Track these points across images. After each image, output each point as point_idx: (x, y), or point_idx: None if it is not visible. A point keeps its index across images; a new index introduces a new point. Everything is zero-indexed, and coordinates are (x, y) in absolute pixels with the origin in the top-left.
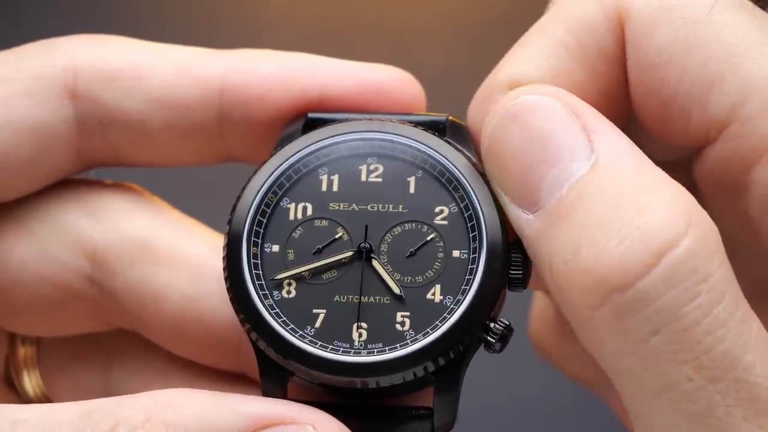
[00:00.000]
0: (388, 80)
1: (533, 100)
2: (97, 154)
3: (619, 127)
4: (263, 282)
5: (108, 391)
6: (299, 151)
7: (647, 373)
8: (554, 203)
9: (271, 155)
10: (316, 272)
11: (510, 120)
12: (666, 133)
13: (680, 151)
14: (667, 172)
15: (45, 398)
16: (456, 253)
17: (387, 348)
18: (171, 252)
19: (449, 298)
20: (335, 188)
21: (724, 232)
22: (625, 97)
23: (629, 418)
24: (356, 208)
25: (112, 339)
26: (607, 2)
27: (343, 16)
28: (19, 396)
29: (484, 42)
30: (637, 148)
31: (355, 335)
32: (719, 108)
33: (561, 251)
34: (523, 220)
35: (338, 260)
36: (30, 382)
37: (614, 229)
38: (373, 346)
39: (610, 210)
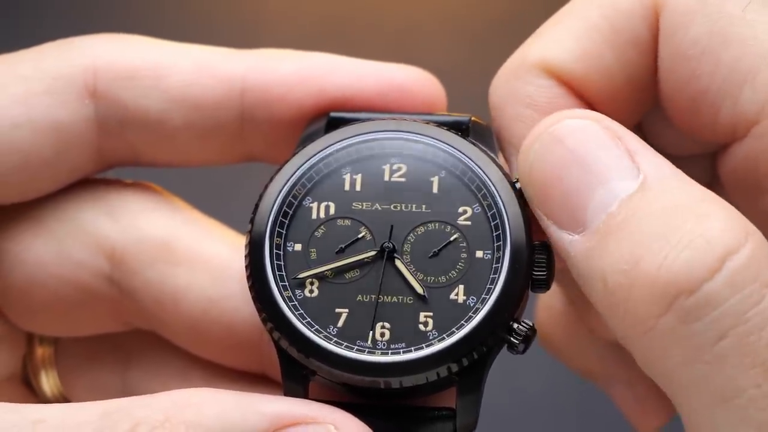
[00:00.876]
0: (409, 80)
1: (575, 124)
2: (117, 154)
3: (642, 115)
4: (286, 282)
5: (126, 391)
6: (322, 150)
7: (713, 381)
8: (603, 221)
9: (294, 154)
10: (339, 271)
11: (552, 143)
12: (693, 127)
13: (702, 146)
14: (684, 169)
15: (63, 398)
16: (479, 254)
17: (411, 348)
18: (190, 252)
19: (473, 299)
20: (358, 188)
21: None
22: (651, 87)
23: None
24: (379, 208)
25: (130, 339)
26: None
27: (343, 16)
28: (37, 396)
29: (484, 42)
30: (678, 169)
31: (378, 335)
32: (750, 105)
33: (617, 265)
34: (567, 241)
35: (361, 260)
36: (48, 382)
37: (676, 237)
38: (397, 346)
39: (668, 221)
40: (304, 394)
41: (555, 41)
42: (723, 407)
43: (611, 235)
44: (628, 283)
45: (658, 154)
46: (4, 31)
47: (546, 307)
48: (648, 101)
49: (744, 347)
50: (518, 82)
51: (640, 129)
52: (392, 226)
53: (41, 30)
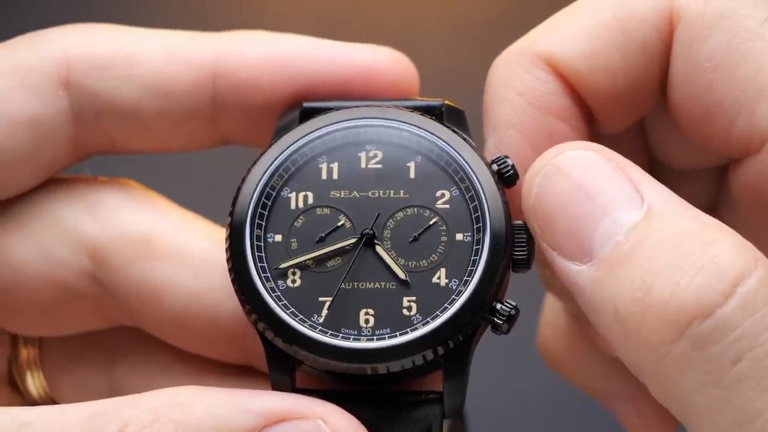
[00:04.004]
0: (378, 61)
1: (577, 155)
2: (92, 143)
3: (632, 122)
4: (268, 273)
5: (112, 388)
6: (297, 140)
7: (729, 404)
8: (611, 250)
9: (270, 145)
10: (320, 260)
11: (556, 174)
12: (706, 138)
13: (712, 159)
14: (688, 184)
15: (49, 398)
16: (459, 236)
17: (396, 333)
18: (171, 247)
19: (455, 281)
20: (335, 176)
21: (761, 244)
22: (653, 96)
23: None
24: (357, 195)
25: (113, 336)
26: (662, 2)
27: (343, 16)
28: (23, 397)
29: (484, 42)
30: (681, 198)
31: (362, 321)
32: (766, 119)
33: (629, 293)
34: (574, 272)
35: (341, 247)
36: (34, 382)
37: (687, 263)
38: (382, 331)
39: (677, 248)
40: (291, 384)
41: (565, 36)
42: (740, 430)
43: (620, 263)
44: (641, 311)
45: (661, 184)
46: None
47: (548, 324)
48: (642, 109)
49: (760, 370)
50: (518, 67)
51: (646, 141)
52: (370, 213)
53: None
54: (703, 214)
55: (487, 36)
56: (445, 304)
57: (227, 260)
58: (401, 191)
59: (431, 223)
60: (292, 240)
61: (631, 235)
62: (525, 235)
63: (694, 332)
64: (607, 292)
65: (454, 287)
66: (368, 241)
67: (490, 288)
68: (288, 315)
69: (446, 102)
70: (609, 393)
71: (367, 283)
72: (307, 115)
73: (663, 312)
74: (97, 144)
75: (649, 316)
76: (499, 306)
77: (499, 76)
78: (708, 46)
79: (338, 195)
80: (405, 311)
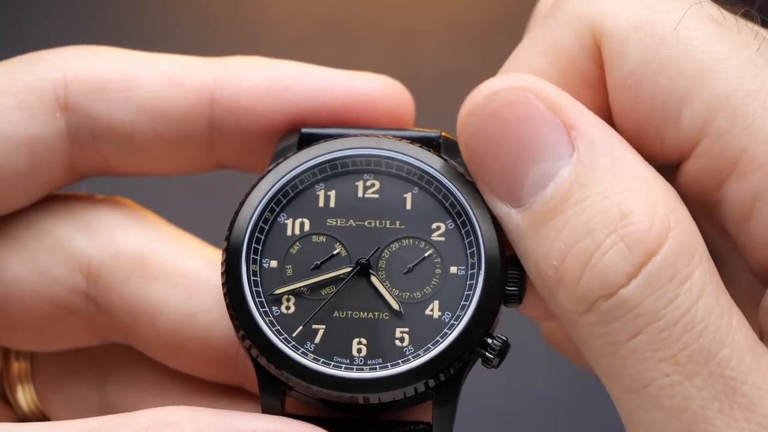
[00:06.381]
0: (375, 89)
1: (510, 96)
2: (88, 165)
3: None
4: (263, 298)
5: (103, 405)
6: (296, 167)
7: (626, 372)
8: (539, 203)
9: (268, 171)
10: (315, 288)
11: (488, 116)
12: (645, 152)
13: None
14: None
15: (40, 413)
16: (453, 270)
17: (388, 364)
18: (166, 267)
19: (448, 314)
20: (332, 204)
21: (710, 242)
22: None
23: (621, 417)
24: (354, 224)
25: (106, 353)
26: (580, 27)
27: (343, 16)
28: (14, 411)
29: (483, 43)
30: (618, 137)
31: (354, 351)
32: (690, 125)
33: (547, 256)
34: (505, 212)
35: (336, 276)
36: (24, 397)
37: (598, 238)
38: (374, 362)
39: (595, 216)
40: (281, 409)
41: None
42: (636, 394)
43: (544, 221)
44: (556, 279)
45: (600, 123)
46: (4, 31)
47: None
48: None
49: (655, 342)
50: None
51: None
52: (366, 243)
53: (37, 33)
54: (632, 165)
55: (487, 36)
56: (438, 337)
57: (222, 284)
58: (397, 222)
59: (426, 255)
60: (288, 266)
61: (557, 191)
62: (518, 271)
63: (599, 309)
64: (531, 248)
65: (446, 320)
66: (363, 271)
67: (483, 322)
68: (281, 341)
69: (443, 134)
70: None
71: (361, 313)
72: (306, 140)
73: (573, 287)
74: (92, 166)
75: (563, 286)
76: (490, 341)
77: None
78: (627, 63)
79: (334, 223)
80: (398, 342)
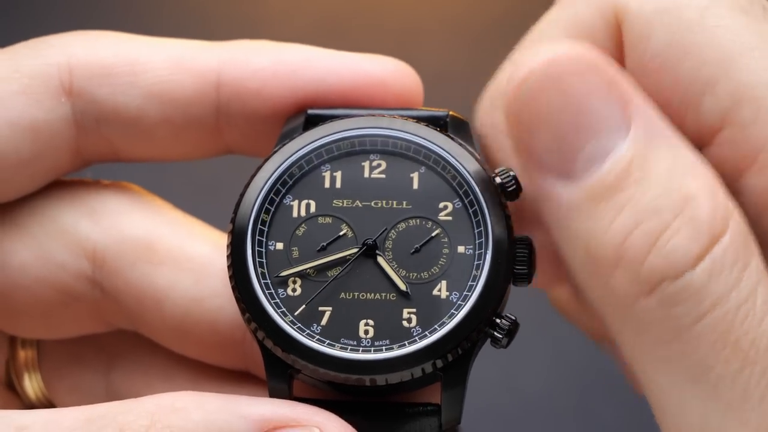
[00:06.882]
0: (384, 72)
1: (572, 66)
2: (94, 151)
3: None
4: (269, 280)
5: (110, 392)
6: (301, 148)
7: (687, 359)
8: (595, 178)
9: (273, 152)
10: (321, 269)
11: (546, 86)
12: None
13: None
14: None
15: (47, 401)
16: (461, 249)
17: (395, 345)
18: (172, 251)
19: (456, 294)
20: (338, 185)
21: None
22: None
23: (656, 410)
24: (360, 205)
25: (112, 340)
26: (604, 4)
27: (343, 16)
28: (21, 400)
29: (484, 42)
30: (667, 122)
31: (362, 332)
32: (712, 113)
33: (604, 236)
34: (549, 186)
35: (343, 257)
36: (31, 385)
37: (666, 219)
38: (381, 343)
39: (658, 198)
40: (288, 393)
41: None
42: (694, 385)
43: (601, 198)
44: (615, 259)
45: (649, 106)
46: (4, 31)
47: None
48: None
49: (720, 326)
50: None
51: None
52: (372, 223)
53: (39, 28)
54: (685, 150)
55: (488, 37)
56: (445, 318)
57: (228, 267)
58: (404, 202)
59: (433, 234)
60: (294, 248)
61: (616, 167)
62: (526, 250)
63: (663, 292)
64: (582, 225)
65: (454, 300)
66: (369, 251)
67: (491, 302)
68: (287, 323)
69: (451, 113)
70: (603, 336)
71: (368, 294)
72: (312, 122)
73: (636, 267)
74: (98, 152)
75: (622, 266)
76: (498, 320)
77: (489, 126)
78: (651, 45)
79: (341, 204)
80: (405, 323)
